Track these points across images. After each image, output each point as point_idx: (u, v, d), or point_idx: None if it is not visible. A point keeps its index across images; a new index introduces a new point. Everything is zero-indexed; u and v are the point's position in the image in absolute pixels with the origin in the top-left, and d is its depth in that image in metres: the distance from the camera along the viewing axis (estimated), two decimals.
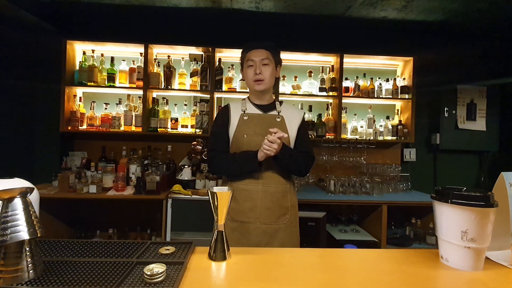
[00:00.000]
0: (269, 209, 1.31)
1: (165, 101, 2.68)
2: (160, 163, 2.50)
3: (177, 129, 2.65)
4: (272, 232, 1.31)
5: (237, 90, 2.67)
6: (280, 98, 2.69)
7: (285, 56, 2.73)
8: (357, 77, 2.81)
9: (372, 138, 2.76)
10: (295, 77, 2.79)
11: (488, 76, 2.94)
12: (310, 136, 2.66)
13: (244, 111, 1.38)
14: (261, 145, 1.27)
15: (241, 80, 2.64)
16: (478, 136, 2.92)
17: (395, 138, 2.79)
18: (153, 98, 2.66)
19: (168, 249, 0.92)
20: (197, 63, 2.66)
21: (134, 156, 2.55)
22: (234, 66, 2.70)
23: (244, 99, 1.45)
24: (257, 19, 2.75)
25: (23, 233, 0.69)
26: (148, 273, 0.71)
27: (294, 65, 2.89)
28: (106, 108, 2.62)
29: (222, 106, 2.71)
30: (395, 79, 2.83)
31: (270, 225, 1.31)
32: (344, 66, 2.68)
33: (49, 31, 2.59)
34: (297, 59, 2.85)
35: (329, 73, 2.79)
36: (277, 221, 1.32)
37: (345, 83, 2.76)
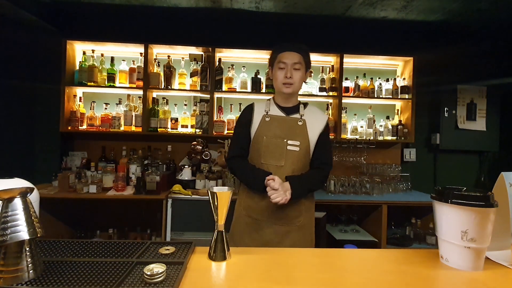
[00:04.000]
0: (282, 211, 1.31)
1: (165, 101, 2.68)
2: (160, 163, 2.50)
3: (177, 129, 2.65)
4: (284, 232, 1.32)
5: (237, 90, 2.67)
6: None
7: None
8: (357, 77, 2.81)
9: (372, 138, 2.76)
10: None
11: (488, 76, 2.94)
12: None
13: (267, 112, 1.38)
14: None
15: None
16: (478, 136, 2.92)
17: (395, 138, 2.79)
18: (153, 98, 2.66)
19: (168, 249, 0.92)
20: (197, 63, 2.66)
21: (134, 156, 2.55)
22: (234, 66, 2.69)
23: (269, 99, 1.45)
24: (257, 19, 2.75)
25: (23, 233, 0.69)
26: (148, 273, 0.71)
27: None
28: (106, 108, 2.62)
29: (222, 106, 2.73)
30: (395, 79, 2.83)
31: (281, 226, 1.32)
32: (344, 66, 2.68)
33: (49, 31, 2.59)
34: None
35: (329, 73, 2.79)
36: (289, 222, 1.32)
37: (345, 83, 2.76)
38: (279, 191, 1.22)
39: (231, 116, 2.70)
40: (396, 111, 2.93)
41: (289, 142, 1.32)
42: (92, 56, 2.60)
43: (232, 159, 1.40)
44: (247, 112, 1.41)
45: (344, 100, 2.73)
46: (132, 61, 2.64)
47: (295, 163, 1.33)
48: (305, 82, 1.46)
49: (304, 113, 1.39)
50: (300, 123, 1.36)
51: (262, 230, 1.32)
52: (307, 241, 1.37)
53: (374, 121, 2.81)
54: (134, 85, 2.60)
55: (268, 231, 1.32)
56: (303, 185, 1.31)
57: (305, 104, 1.44)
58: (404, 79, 2.83)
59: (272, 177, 1.24)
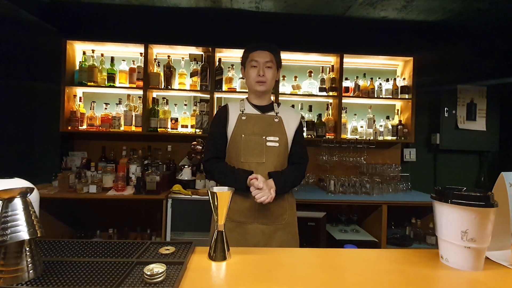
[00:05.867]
0: (267, 209, 1.31)
1: (165, 101, 2.68)
2: (160, 163, 2.50)
3: (177, 129, 2.65)
4: (271, 232, 1.31)
5: (237, 90, 2.67)
6: (280, 98, 2.69)
7: (285, 56, 2.73)
8: (357, 77, 2.81)
9: (372, 138, 2.76)
10: (295, 77, 2.79)
11: (488, 76, 2.94)
12: (310, 136, 2.68)
13: (242, 111, 1.39)
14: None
15: (240, 78, 2.64)
16: (478, 136, 2.92)
17: (395, 138, 2.79)
18: (153, 98, 2.66)
19: (168, 249, 0.92)
20: (197, 63, 2.66)
21: (134, 156, 2.55)
22: (234, 66, 2.70)
23: (242, 99, 1.46)
24: (257, 19, 2.75)
25: (23, 233, 0.69)
26: (148, 273, 0.71)
27: (294, 65, 2.88)
28: (106, 108, 2.62)
29: (222, 106, 2.73)
30: (395, 79, 2.83)
31: (268, 226, 1.31)
32: (344, 66, 2.68)
33: (49, 31, 2.59)
34: (297, 59, 2.85)
35: (329, 73, 2.79)
36: (275, 221, 1.32)
37: (345, 83, 2.76)
38: (263, 189, 1.20)
39: None
40: (396, 111, 2.93)
41: (268, 138, 1.33)
42: (92, 56, 2.60)
43: (209, 161, 1.35)
44: (222, 113, 1.40)
45: (344, 100, 2.73)
46: (132, 61, 2.64)
47: (276, 159, 1.33)
48: (277, 80, 1.47)
49: (279, 111, 1.42)
50: (276, 120, 1.38)
51: (247, 233, 1.30)
52: (293, 240, 1.37)
53: (374, 121, 2.81)
54: (134, 85, 2.60)
55: (254, 233, 1.29)
56: (287, 181, 1.31)
57: (278, 104, 1.46)
58: (404, 79, 2.83)
59: (254, 176, 1.23)
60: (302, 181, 1.42)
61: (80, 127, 2.57)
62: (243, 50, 1.42)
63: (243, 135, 1.33)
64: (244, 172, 1.28)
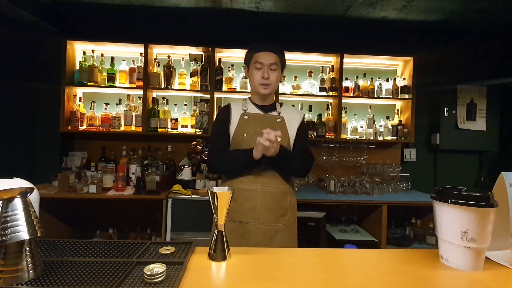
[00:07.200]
0: (269, 210, 1.30)
1: (165, 101, 2.68)
2: (160, 163, 2.50)
3: (177, 129, 2.65)
4: (272, 233, 1.30)
5: (237, 90, 2.67)
6: (280, 98, 2.69)
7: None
8: (357, 77, 2.81)
9: (372, 138, 2.76)
10: (295, 77, 2.79)
11: (488, 76, 2.94)
12: (310, 136, 2.67)
13: (245, 110, 1.38)
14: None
15: (243, 78, 2.63)
16: (478, 136, 2.92)
17: (395, 138, 2.79)
18: (153, 98, 2.66)
19: (168, 249, 0.92)
20: (197, 63, 2.66)
21: (134, 156, 2.55)
22: (234, 66, 2.69)
23: (245, 99, 1.45)
24: (257, 19, 2.75)
25: (23, 233, 0.69)
26: (148, 273, 0.71)
27: (294, 65, 2.88)
28: (106, 108, 2.62)
29: (222, 106, 2.73)
30: (395, 79, 2.83)
31: (269, 226, 1.30)
32: (344, 66, 2.68)
33: (49, 31, 2.59)
34: (297, 59, 2.84)
35: (329, 73, 2.79)
36: (276, 222, 1.31)
37: (345, 83, 2.76)
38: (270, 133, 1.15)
39: None
40: (396, 111, 2.93)
41: None
42: (92, 56, 2.60)
43: (213, 152, 1.35)
44: (224, 112, 1.40)
45: (344, 100, 2.73)
46: (132, 61, 2.64)
47: None
48: (280, 82, 1.45)
49: (281, 110, 1.41)
50: (278, 120, 1.38)
51: (249, 234, 1.29)
52: (293, 242, 1.37)
53: (374, 121, 2.81)
54: (134, 85, 2.60)
55: (255, 233, 1.29)
56: (290, 154, 1.29)
57: (281, 103, 1.46)
58: (404, 79, 2.83)
59: (267, 131, 1.17)
60: (305, 171, 1.37)
61: (80, 127, 2.57)
62: (246, 49, 1.40)
63: (245, 135, 1.33)
64: (245, 149, 1.27)
